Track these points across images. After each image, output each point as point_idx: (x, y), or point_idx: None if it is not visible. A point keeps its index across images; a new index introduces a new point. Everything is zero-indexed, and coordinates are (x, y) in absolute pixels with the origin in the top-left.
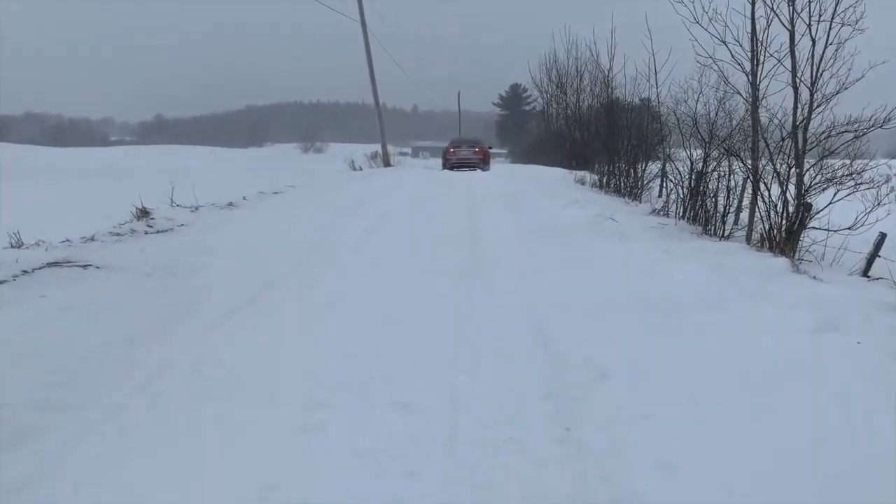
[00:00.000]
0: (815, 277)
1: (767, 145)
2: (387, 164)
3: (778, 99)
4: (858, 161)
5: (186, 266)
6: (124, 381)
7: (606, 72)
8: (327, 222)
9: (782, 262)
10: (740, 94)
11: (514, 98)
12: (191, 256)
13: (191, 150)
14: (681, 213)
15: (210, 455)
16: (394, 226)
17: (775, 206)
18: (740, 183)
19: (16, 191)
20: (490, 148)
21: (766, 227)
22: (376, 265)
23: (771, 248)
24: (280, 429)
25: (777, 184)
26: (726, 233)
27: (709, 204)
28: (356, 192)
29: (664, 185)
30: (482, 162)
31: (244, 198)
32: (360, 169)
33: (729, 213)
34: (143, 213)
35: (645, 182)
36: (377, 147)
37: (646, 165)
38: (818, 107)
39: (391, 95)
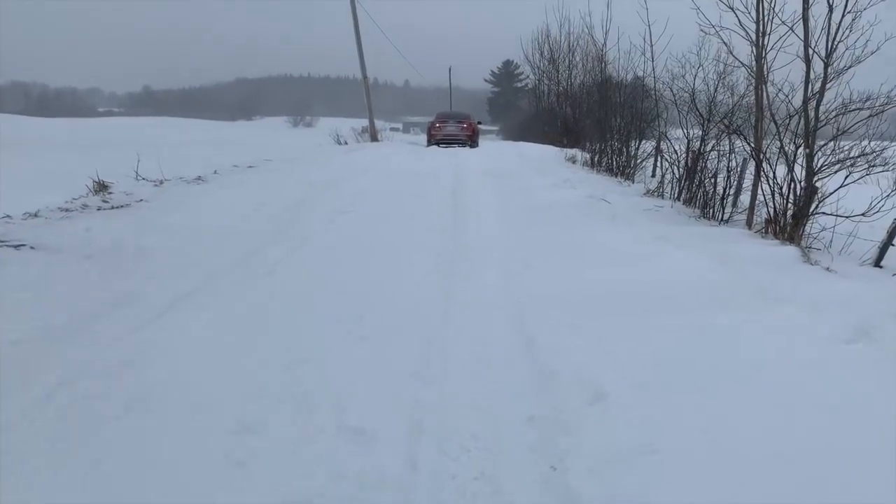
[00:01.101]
0: (828, 269)
1: (775, 121)
2: (374, 139)
3: (785, 73)
4: (874, 142)
5: (134, 248)
6: (24, 391)
7: (600, 46)
8: (299, 201)
9: (791, 250)
10: (744, 67)
11: (506, 75)
12: (142, 236)
13: (178, 123)
14: (676, 195)
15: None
16: (370, 206)
17: (780, 189)
18: (741, 163)
19: None
20: (479, 123)
21: (771, 212)
22: (344, 251)
23: (776, 235)
24: (199, 463)
25: (784, 164)
26: (725, 216)
27: (707, 185)
28: (336, 167)
29: (658, 164)
30: (470, 139)
31: (215, 172)
32: (346, 143)
33: (728, 195)
34: (101, 188)
35: (638, 161)
36: (367, 122)
37: (639, 143)
38: (832, 80)
39: (383, 71)
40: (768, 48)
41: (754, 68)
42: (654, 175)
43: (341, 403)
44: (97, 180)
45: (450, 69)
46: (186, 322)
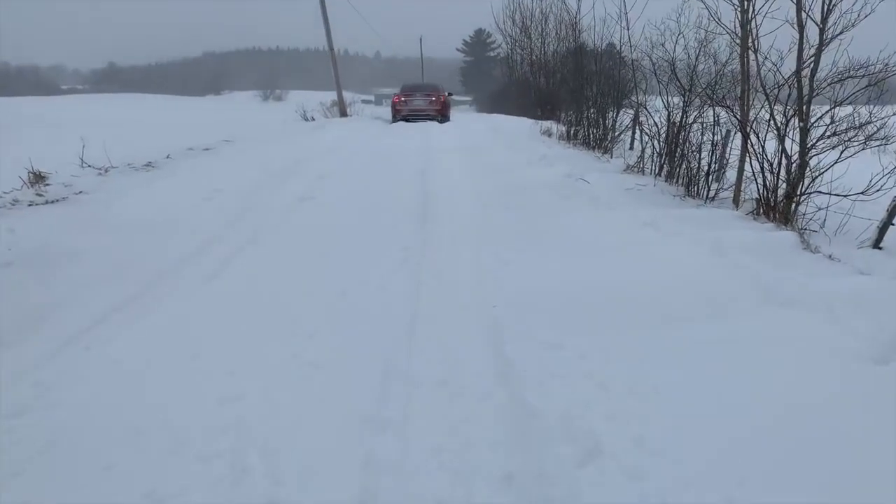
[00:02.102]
0: (831, 257)
1: (765, 91)
2: (343, 113)
3: (771, 40)
4: (874, 113)
5: (63, 251)
6: None
7: (574, 13)
8: (256, 186)
9: (789, 236)
10: (728, 33)
11: (478, 44)
12: (74, 236)
13: (142, 99)
14: (657, 170)
15: None
16: (333, 191)
17: (771, 166)
18: (725, 136)
19: None
20: (450, 95)
21: (761, 191)
22: (301, 248)
23: (768, 216)
24: None
25: (775, 138)
26: (711, 194)
27: (691, 160)
28: (299, 148)
29: (636, 136)
30: (440, 112)
31: (168, 156)
32: (312, 119)
33: (713, 171)
34: (38, 179)
35: (616, 134)
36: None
37: (617, 114)
38: (828, 43)
39: (352, 42)
40: (755, 12)
41: (739, 35)
42: (631, 147)
43: (277, 468)
44: (32, 171)
45: (420, 39)
46: (107, 346)
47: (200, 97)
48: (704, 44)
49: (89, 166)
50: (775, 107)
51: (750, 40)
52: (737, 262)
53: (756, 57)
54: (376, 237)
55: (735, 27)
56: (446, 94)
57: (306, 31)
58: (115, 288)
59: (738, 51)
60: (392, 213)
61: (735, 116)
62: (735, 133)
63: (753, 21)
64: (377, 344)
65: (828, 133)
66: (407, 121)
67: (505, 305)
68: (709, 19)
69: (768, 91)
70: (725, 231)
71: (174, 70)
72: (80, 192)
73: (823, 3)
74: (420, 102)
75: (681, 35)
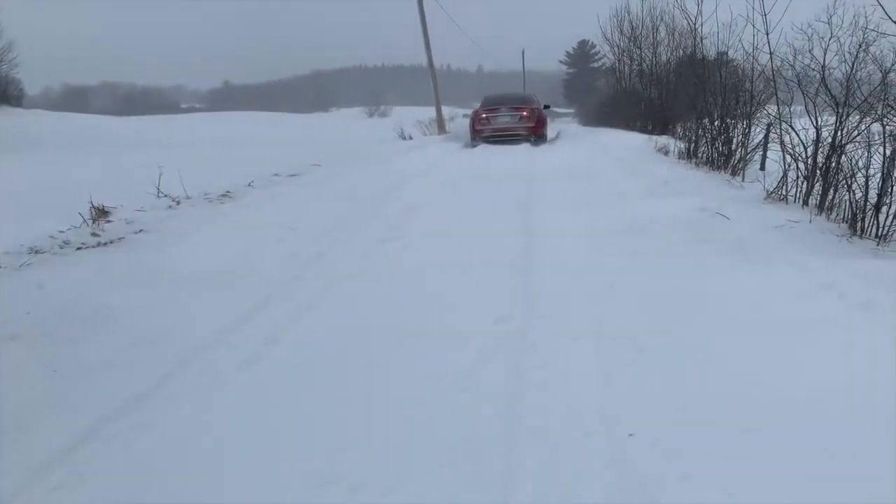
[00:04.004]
0: None
1: None
2: (442, 129)
3: None
4: None
5: (91, 312)
6: None
7: (693, 17)
8: (336, 223)
9: None
10: None
11: (581, 55)
12: (110, 291)
13: (253, 117)
14: (804, 197)
15: None
16: (417, 231)
17: None
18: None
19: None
20: (547, 107)
21: None
22: (368, 314)
23: None
24: None
25: None
26: (887, 232)
27: (856, 190)
28: (389, 172)
29: (769, 154)
30: (533, 131)
31: (250, 184)
32: (410, 138)
33: (885, 203)
34: (101, 214)
35: (748, 152)
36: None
37: (749, 129)
38: None
39: (455, 57)
40: None
41: None
42: (763, 168)
43: None
44: (95, 205)
45: (523, 51)
46: (124, 463)
47: (308, 114)
48: (864, 47)
49: (165, 196)
50: None
51: None
52: None
53: None
54: (463, 302)
55: None
56: (542, 106)
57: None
58: (128, 376)
59: None
60: (484, 265)
61: None
62: None
63: None
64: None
65: None
66: (490, 143)
67: (648, 430)
68: (867, 18)
69: None
70: None
71: (285, 88)
72: (141, 230)
73: None
74: (507, 119)
75: (833, 38)
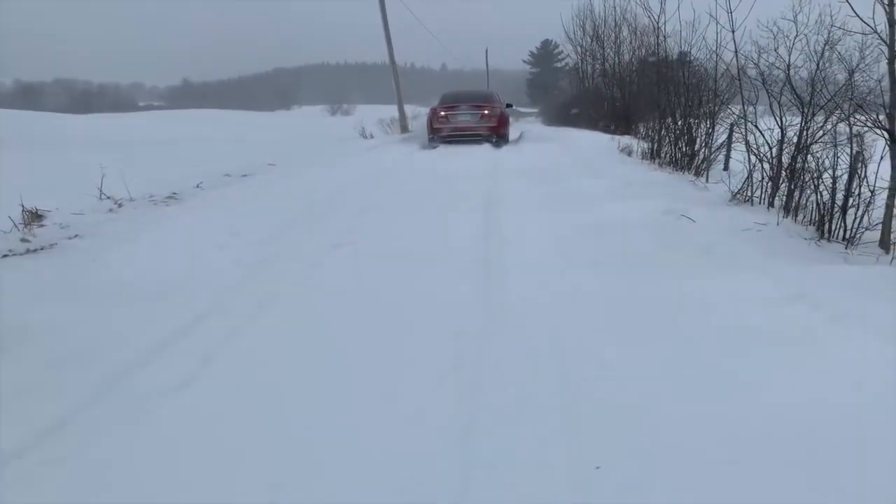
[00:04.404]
0: None
1: None
2: (404, 129)
3: None
4: None
5: (10, 330)
6: None
7: (656, 16)
8: (286, 225)
9: None
10: (875, 32)
11: (545, 55)
12: (35, 305)
13: (212, 115)
14: (769, 199)
15: None
16: (374, 233)
17: None
18: (855, 158)
19: None
20: (509, 106)
21: None
22: (315, 329)
23: None
24: None
25: None
26: (854, 235)
27: (822, 191)
28: (347, 172)
29: (732, 154)
30: (494, 131)
31: (198, 185)
32: (372, 137)
33: (851, 205)
34: (33, 218)
35: (711, 152)
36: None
37: (713, 129)
38: None
39: (418, 55)
40: None
41: (887, 34)
42: (726, 168)
43: None
44: (27, 209)
45: (486, 50)
46: None
47: (270, 112)
48: (830, 45)
49: (108, 198)
50: None
51: None
52: None
53: None
54: (420, 314)
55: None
56: (503, 105)
57: (372, 44)
58: (39, 407)
59: (886, 54)
60: (443, 272)
61: (883, 128)
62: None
63: None
64: None
65: None
66: (446, 143)
67: (612, 464)
68: (833, 16)
69: None
70: None
71: (245, 85)
72: (76, 235)
73: None
74: (466, 117)
75: (799, 36)
